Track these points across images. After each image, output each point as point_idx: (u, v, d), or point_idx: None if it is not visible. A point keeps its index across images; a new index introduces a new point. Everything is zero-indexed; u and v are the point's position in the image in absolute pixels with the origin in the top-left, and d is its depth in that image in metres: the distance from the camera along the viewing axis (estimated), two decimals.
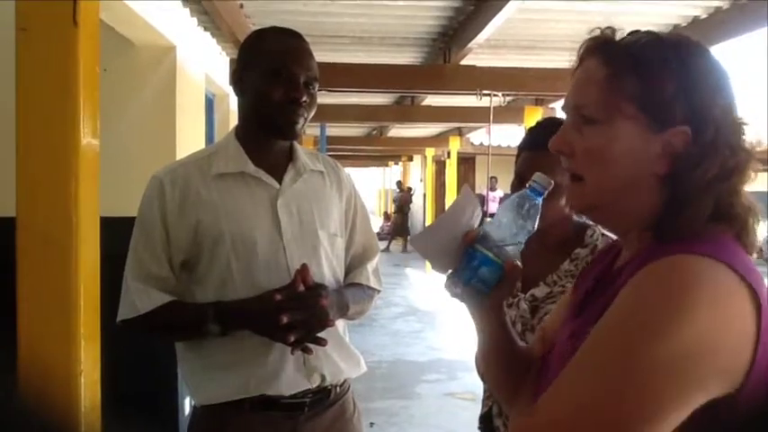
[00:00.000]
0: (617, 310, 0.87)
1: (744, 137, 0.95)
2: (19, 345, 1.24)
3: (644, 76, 0.92)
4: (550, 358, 1.06)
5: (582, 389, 0.86)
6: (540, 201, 1.04)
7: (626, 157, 0.94)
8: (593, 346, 0.88)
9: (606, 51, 0.96)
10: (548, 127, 1.85)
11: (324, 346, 1.64)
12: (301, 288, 1.62)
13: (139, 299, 1.64)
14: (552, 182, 1.04)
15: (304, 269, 1.63)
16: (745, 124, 0.95)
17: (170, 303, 1.65)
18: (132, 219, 1.71)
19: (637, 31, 0.98)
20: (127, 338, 1.69)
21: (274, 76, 1.65)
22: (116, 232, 1.66)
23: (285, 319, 1.56)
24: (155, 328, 1.70)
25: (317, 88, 1.72)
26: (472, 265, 1.03)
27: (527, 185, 1.05)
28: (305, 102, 1.67)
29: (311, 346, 1.64)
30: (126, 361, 2.04)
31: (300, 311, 1.59)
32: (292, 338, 1.58)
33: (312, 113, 1.72)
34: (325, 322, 1.64)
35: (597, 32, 0.99)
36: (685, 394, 0.82)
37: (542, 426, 0.88)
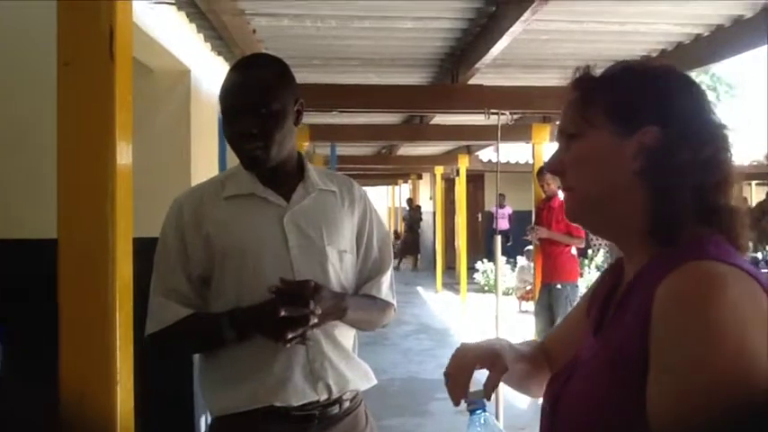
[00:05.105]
0: (665, 340, 0.89)
1: (723, 134, 1.02)
2: (60, 356, 1.32)
3: (608, 89, 1.05)
4: (565, 378, 1.10)
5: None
6: (482, 411, 1.11)
7: (604, 161, 1.04)
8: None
9: (580, 80, 1.09)
10: None
11: (306, 340, 1.67)
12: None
13: (162, 313, 1.73)
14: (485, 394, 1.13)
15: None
16: (724, 126, 1.03)
17: (190, 316, 1.73)
18: (147, 239, 1.78)
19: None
20: (146, 354, 1.77)
21: (226, 116, 1.73)
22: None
23: (282, 313, 1.59)
24: (177, 340, 1.78)
25: (276, 111, 1.70)
26: None
27: (469, 410, 1.13)
28: (254, 132, 1.69)
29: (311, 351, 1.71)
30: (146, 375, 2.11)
31: (293, 305, 1.61)
32: (288, 335, 1.60)
33: (278, 137, 1.71)
34: (307, 315, 1.62)
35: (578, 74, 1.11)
36: None
37: None
